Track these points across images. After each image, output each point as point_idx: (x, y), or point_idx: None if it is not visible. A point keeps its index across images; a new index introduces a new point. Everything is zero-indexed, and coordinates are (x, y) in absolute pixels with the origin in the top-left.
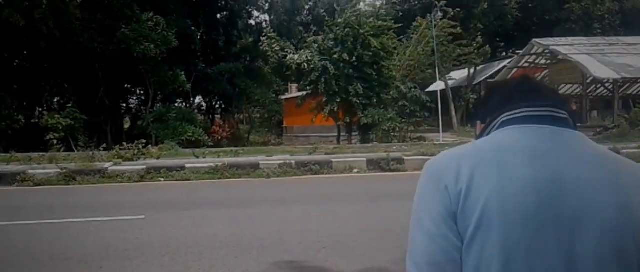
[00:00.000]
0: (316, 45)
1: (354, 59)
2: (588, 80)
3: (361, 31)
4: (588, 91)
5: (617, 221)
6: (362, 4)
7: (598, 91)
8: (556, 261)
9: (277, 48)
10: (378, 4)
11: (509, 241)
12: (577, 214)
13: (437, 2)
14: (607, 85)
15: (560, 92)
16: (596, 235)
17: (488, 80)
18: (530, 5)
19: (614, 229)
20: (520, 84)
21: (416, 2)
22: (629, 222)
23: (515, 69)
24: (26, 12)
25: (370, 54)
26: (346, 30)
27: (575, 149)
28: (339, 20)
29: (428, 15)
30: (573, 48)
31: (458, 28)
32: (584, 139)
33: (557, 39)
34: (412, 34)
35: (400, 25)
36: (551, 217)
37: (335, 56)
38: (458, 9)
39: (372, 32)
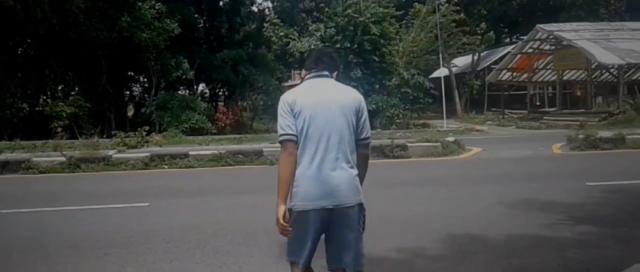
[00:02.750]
0: (318, 33)
1: (355, 45)
2: (593, 66)
3: (361, 19)
4: (593, 77)
5: (343, 104)
6: None
7: (603, 77)
8: (324, 127)
9: (281, 34)
10: None
11: (309, 112)
12: (331, 109)
13: None
14: (612, 70)
15: (565, 78)
16: (336, 110)
17: (492, 66)
18: None
19: (344, 104)
20: (316, 57)
21: None
22: (345, 105)
23: (519, 55)
24: None
25: (371, 39)
26: (346, 19)
27: (333, 86)
28: (339, 9)
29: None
30: (577, 34)
31: (461, 14)
32: (333, 82)
33: (562, 24)
34: (412, 19)
35: (402, 12)
36: (321, 111)
37: (336, 45)
38: None
39: (372, 19)
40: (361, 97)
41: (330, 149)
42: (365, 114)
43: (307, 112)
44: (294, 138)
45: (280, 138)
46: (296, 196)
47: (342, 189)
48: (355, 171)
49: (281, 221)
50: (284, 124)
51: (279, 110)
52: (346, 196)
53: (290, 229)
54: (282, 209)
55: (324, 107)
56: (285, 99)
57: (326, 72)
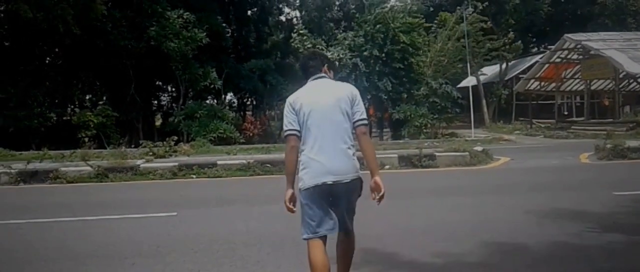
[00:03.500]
0: (347, 42)
1: (384, 55)
2: (621, 76)
3: (392, 26)
4: (621, 86)
5: (338, 96)
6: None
7: (631, 86)
8: (323, 118)
9: (309, 44)
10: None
11: (308, 109)
12: (328, 103)
13: None
14: (639, 80)
15: (593, 87)
16: (332, 102)
17: (520, 75)
18: (562, 0)
19: (338, 97)
20: (304, 67)
21: None
22: (340, 98)
23: (547, 64)
24: (47, 9)
25: (400, 49)
26: (377, 26)
27: (328, 85)
28: (369, 17)
29: (458, 8)
30: (605, 43)
31: (488, 23)
32: (329, 80)
33: (590, 34)
34: (438, 28)
35: (430, 24)
36: (319, 106)
37: (365, 53)
38: (487, 3)
39: (402, 28)
40: (354, 88)
41: (328, 136)
42: (358, 101)
43: (307, 108)
44: (296, 132)
45: (285, 133)
46: (303, 177)
47: (339, 168)
48: (351, 151)
49: (287, 202)
50: (287, 121)
51: (284, 111)
52: (343, 173)
53: (295, 209)
54: (289, 192)
55: (320, 103)
56: (289, 101)
57: (322, 74)
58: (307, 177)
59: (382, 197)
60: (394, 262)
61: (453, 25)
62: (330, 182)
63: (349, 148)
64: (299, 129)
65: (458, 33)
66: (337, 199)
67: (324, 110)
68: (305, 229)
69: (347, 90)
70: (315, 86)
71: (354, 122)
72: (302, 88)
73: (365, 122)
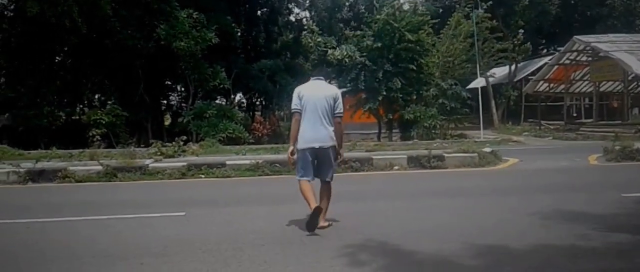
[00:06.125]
0: (356, 41)
1: (392, 55)
2: (629, 78)
3: (396, 25)
4: (629, 88)
5: (326, 94)
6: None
7: (639, 88)
8: (315, 106)
9: (319, 40)
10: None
11: (308, 98)
12: (319, 96)
13: None
14: None
15: (602, 89)
16: (322, 97)
17: (529, 77)
18: (571, 1)
19: (327, 94)
20: (317, 71)
21: None
22: (327, 95)
23: (556, 66)
24: (53, 4)
25: (407, 48)
26: (385, 26)
27: (322, 85)
28: (378, 17)
29: (458, 7)
30: (614, 45)
31: (494, 21)
32: (324, 82)
33: (599, 35)
34: (449, 29)
35: (437, 20)
36: (314, 97)
37: (374, 52)
38: (491, 3)
39: (408, 27)
40: (338, 90)
41: (318, 118)
42: (339, 99)
43: (307, 97)
44: (299, 111)
45: (292, 111)
46: (299, 142)
47: (323, 138)
48: (332, 128)
49: (289, 155)
50: (294, 103)
51: (293, 96)
52: (325, 141)
53: (295, 160)
54: (291, 149)
55: (315, 95)
56: (297, 90)
57: (321, 77)
58: (302, 142)
59: (342, 161)
60: (396, 262)
61: (457, 24)
62: (317, 147)
63: (330, 126)
64: (301, 109)
65: (464, 32)
66: (320, 158)
67: (317, 100)
68: (297, 172)
69: (333, 91)
70: (315, 84)
71: (335, 114)
72: (306, 83)
73: (341, 115)
